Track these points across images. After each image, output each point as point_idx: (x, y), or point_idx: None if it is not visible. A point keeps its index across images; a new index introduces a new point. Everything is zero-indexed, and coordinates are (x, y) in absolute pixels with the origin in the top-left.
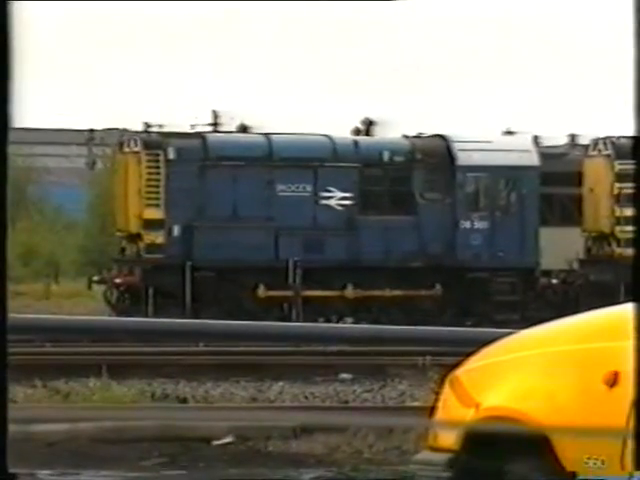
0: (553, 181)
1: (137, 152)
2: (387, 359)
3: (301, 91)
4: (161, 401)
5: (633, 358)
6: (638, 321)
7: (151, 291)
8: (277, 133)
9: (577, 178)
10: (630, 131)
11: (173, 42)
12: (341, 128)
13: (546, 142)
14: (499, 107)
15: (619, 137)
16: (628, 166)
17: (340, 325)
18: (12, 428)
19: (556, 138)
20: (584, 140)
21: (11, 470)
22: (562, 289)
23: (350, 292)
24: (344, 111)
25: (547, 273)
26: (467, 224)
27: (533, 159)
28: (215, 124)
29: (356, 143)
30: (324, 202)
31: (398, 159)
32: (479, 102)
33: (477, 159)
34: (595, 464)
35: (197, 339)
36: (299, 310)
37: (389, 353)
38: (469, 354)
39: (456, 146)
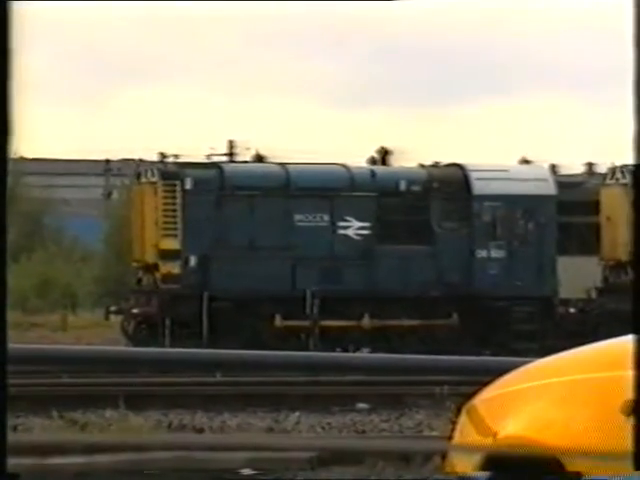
0: (570, 210)
1: (154, 182)
2: (404, 388)
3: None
4: (178, 432)
5: (632, 360)
6: (636, 324)
7: (168, 321)
8: (294, 163)
9: (594, 207)
10: None
11: (189, 70)
12: (356, 157)
13: (563, 171)
14: (515, 135)
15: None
16: None
17: (358, 355)
18: (29, 461)
19: (573, 167)
20: (601, 169)
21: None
22: (580, 318)
23: (367, 322)
24: (359, 139)
25: (565, 302)
26: (484, 253)
27: (550, 188)
28: (231, 154)
29: (373, 172)
30: (341, 232)
31: (415, 188)
32: (494, 129)
33: (494, 188)
34: None
35: (214, 369)
36: (316, 340)
37: (406, 383)
38: (486, 383)
39: (473, 175)
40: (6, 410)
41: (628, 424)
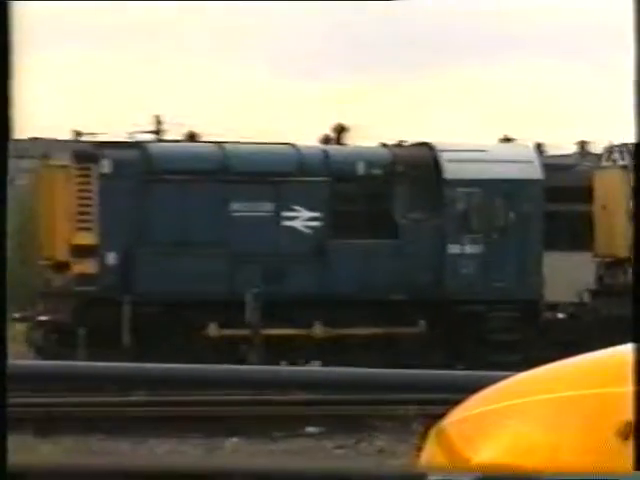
0: (559, 197)
1: (65, 166)
2: (363, 409)
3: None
4: (95, 459)
5: (632, 361)
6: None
7: (82, 330)
8: (233, 142)
9: (588, 193)
10: None
11: (106, 34)
12: (308, 136)
13: (551, 151)
14: (495, 110)
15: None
16: None
17: (308, 369)
18: None
19: (563, 146)
20: (596, 148)
21: None
22: (570, 325)
23: (319, 330)
24: (312, 116)
25: (552, 306)
26: (457, 248)
27: (536, 171)
28: (158, 131)
29: (326, 154)
30: (288, 223)
31: (376, 172)
32: (469, 103)
33: (469, 171)
34: None
35: (138, 386)
36: (258, 352)
37: (365, 402)
38: (459, 402)
39: (444, 156)
40: (6, 410)
41: (624, 448)
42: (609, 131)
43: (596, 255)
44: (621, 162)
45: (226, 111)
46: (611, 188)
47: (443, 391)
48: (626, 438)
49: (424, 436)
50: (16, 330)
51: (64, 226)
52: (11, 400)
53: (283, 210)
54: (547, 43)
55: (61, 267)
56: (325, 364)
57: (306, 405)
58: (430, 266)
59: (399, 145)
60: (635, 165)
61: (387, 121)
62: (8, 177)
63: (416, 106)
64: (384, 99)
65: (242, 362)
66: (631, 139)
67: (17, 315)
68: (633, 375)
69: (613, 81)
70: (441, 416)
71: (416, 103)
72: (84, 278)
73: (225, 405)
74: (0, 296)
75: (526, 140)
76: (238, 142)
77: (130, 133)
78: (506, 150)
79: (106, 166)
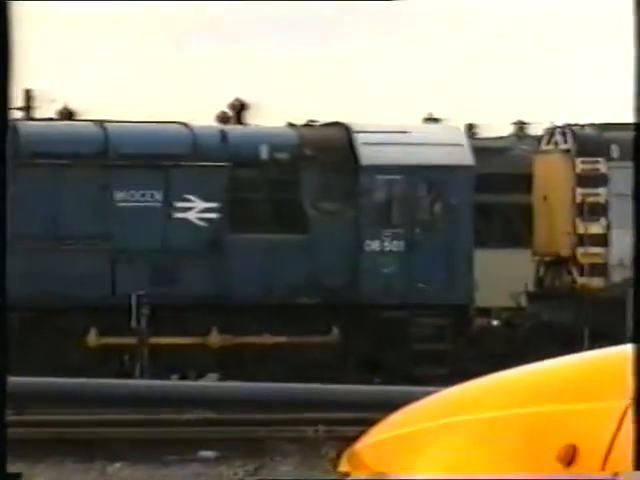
0: (493, 186)
1: None
2: (265, 430)
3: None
4: None
5: (632, 358)
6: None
7: None
8: (116, 121)
9: (525, 182)
10: (598, 117)
11: None
12: (203, 113)
13: (483, 133)
14: (417, 84)
15: (582, 125)
16: (594, 165)
17: (203, 383)
18: None
19: (497, 127)
20: (535, 130)
21: None
22: (505, 333)
23: (215, 339)
24: (206, 90)
25: (485, 312)
26: (375, 245)
27: (465, 156)
28: (28, 107)
29: (224, 134)
30: (179, 215)
31: (281, 156)
32: (391, 75)
33: (389, 156)
34: None
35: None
36: (145, 363)
37: (268, 422)
38: (376, 422)
39: (360, 138)
40: (6, 410)
41: (566, 474)
42: (549, 110)
43: (535, 253)
44: (564, 145)
45: (109, 86)
46: (553, 175)
47: (358, 409)
48: (569, 464)
49: (335, 461)
50: None
51: None
52: None
53: (174, 200)
54: (482, 15)
55: None
56: (223, 378)
57: (201, 426)
58: (344, 265)
59: (308, 125)
60: (635, 165)
61: (294, 97)
62: (7, 178)
63: (327, 80)
64: (294, 71)
65: (126, 375)
66: (575, 119)
67: None
68: (632, 377)
69: (555, 58)
70: (355, 438)
71: (327, 77)
72: None
73: (106, 425)
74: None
75: (454, 121)
76: (122, 121)
77: None
78: (431, 132)
79: None
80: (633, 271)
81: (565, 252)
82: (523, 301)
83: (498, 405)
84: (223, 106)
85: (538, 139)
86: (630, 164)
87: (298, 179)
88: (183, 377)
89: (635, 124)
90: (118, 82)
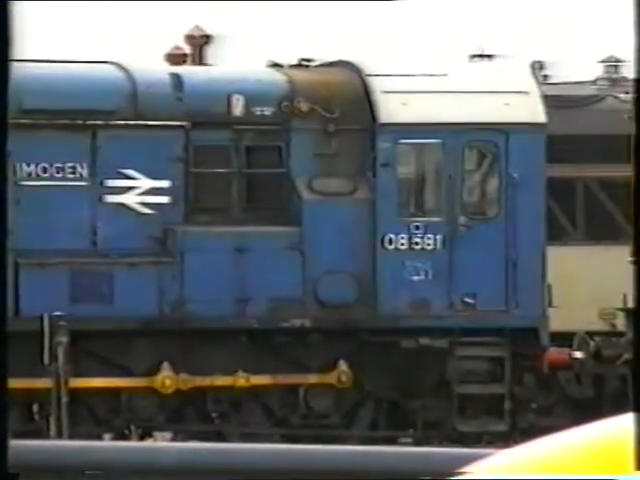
0: (575, 154)
1: None
2: None
3: None
4: None
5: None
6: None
7: None
8: (18, 60)
9: (622, 147)
10: None
11: None
12: (147, 49)
13: (559, 75)
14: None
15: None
16: None
17: (149, 445)
18: None
19: (580, 67)
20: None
21: None
22: (593, 370)
23: (166, 379)
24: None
25: (563, 338)
26: (400, 240)
27: (533, 109)
28: None
29: (177, 80)
30: (113, 199)
31: (262, 112)
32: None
33: (420, 111)
34: None
35: None
36: (62, 416)
37: None
38: None
39: (379, 84)
40: (7, 410)
41: None
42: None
43: (637, 252)
44: None
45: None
46: None
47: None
48: None
49: None
50: None
51: None
52: None
53: (105, 176)
54: None
55: None
56: (179, 437)
57: None
58: (353, 270)
59: (301, 66)
60: (635, 165)
61: (281, 26)
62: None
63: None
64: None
65: (35, 433)
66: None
67: None
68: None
69: None
70: None
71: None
72: None
73: None
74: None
75: (516, 58)
76: (28, 60)
77: None
78: (482, 74)
79: None
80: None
81: None
82: (619, 323)
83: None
84: (177, 39)
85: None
86: None
87: (288, 145)
88: (120, 436)
89: (635, 124)
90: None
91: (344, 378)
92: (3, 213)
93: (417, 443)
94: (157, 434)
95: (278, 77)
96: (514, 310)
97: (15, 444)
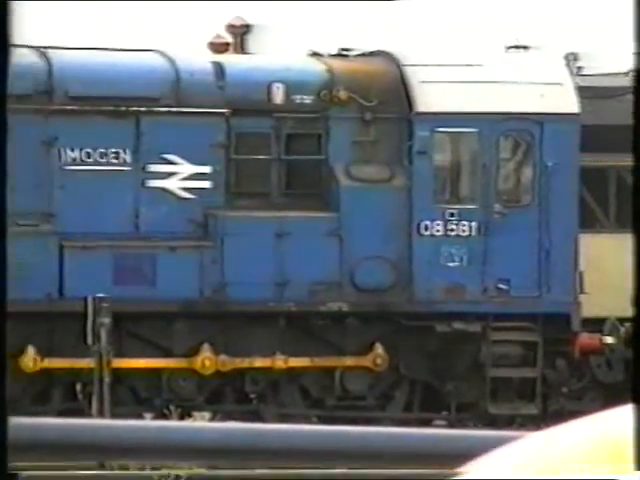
0: (608, 143)
1: None
2: None
3: None
4: None
5: (632, 354)
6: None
7: None
8: (64, 48)
9: None
10: None
11: None
12: (190, 38)
13: (593, 67)
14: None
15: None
16: None
17: (189, 425)
18: None
19: (613, 59)
20: None
21: None
22: (624, 355)
23: (206, 360)
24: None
25: (595, 324)
26: (436, 227)
27: (567, 100)
28: None
29: (219, 69)
30: (156, 184)
31: (302, 100)
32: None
33: (456, 100)
34: None
35: None
36: (104, 395)
37: None
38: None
39: (416, 74)
40: (6, 410)
41: None
42: None
43: None
44: None
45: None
46: None
47: (411, 462)
48: None
49: None
50: None
51: None
52: None
53: (148, 161)
54: None
55: None
56: (217, 417)
57: None
58: (390, 256)
59: (341, 55)
60: (635, 163)
61: (320, 17)
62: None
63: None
64: None
65: (77, 412)
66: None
67: None
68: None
69: None
70: None
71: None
72: None
73: None
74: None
75: (551, 50)
76: (74, 48)
77: None
78: (518, 65)
79: None
80: (633, 272)
81: None
82: None
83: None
84: (219, 29)
85: None
86: None
87: (326, 133)
88: (161, 416)
89: (634, 124)
90: None
91: (380, 361)
92: (3, 214)
93: (450, 425)
94: (196, 414)
95: (318, 66)
96: (546, 296)
97: (61, 422)
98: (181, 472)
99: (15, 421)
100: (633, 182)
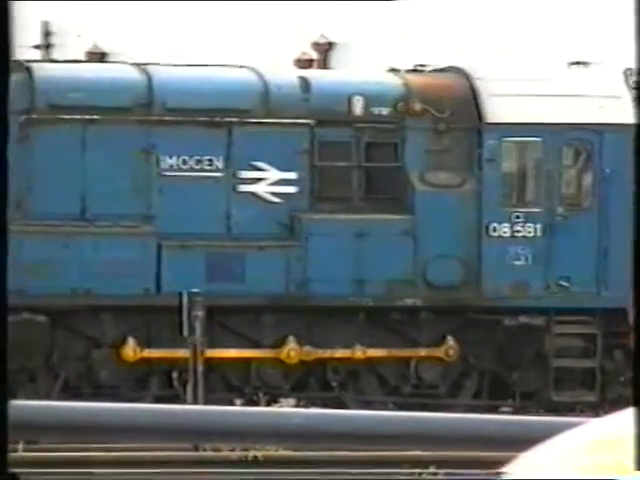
0: None
1: None
2: (357, 473)
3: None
4: None
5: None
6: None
7: None
8: (162, 64)
9: None
10: None
11: None
12: (277, 55)
13: None
14: (559, 18)
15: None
16: None
17: (275, 411)
18: None
19: None
20: None
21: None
22: None
23: (292, 351)
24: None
25: None
26: (504, 228)
27: (625, 111)
28: (48, 46)
29: (304, 83)
30: (246, 188)
31: (380, 112)
32: (523, 11)
33: (523, 112)
34: None
35: None
36: (198, 383)
37: (361, 462)
38: (505, 463)
39: (486, 88)
40: (7, 409)
41: None
42: None
43: None
44: None
45: (152, 18)
46: None
47: (480, 446)
48: None
49: None
50: None
51: None
52: None
53: (239, 168)
54: None
55: None
56: (301, 403)
57: (273, 467)
58: (461, 255)
59: (416, 71)
60: (635, 164)
61: (397, 35)
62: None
63: (441, 13)
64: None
65: (174, 399)
66: None
67: None
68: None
69: None
70: None
71: (441, 9)
72: None
73: (144, 465)
74: (0, 293)
75: (609, 65)
76: (171, 64)
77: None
78: (579, 80)
79: None
80: (633, 272)
81: None
82: None
83: None
84: (304, 46)
85: None
86: None
87: (402, 142)
88: (250, 402)
89: (636, 124)
90: (165, 13)
91: (451, 352)
92: (3, 210)
93: (516, 412)
94: (282, 400)
95: (395, 80)
96: (604, 292)
97: (158, 407)
98: (258, 453)
99: (115, 406)
100: (634, 184)
